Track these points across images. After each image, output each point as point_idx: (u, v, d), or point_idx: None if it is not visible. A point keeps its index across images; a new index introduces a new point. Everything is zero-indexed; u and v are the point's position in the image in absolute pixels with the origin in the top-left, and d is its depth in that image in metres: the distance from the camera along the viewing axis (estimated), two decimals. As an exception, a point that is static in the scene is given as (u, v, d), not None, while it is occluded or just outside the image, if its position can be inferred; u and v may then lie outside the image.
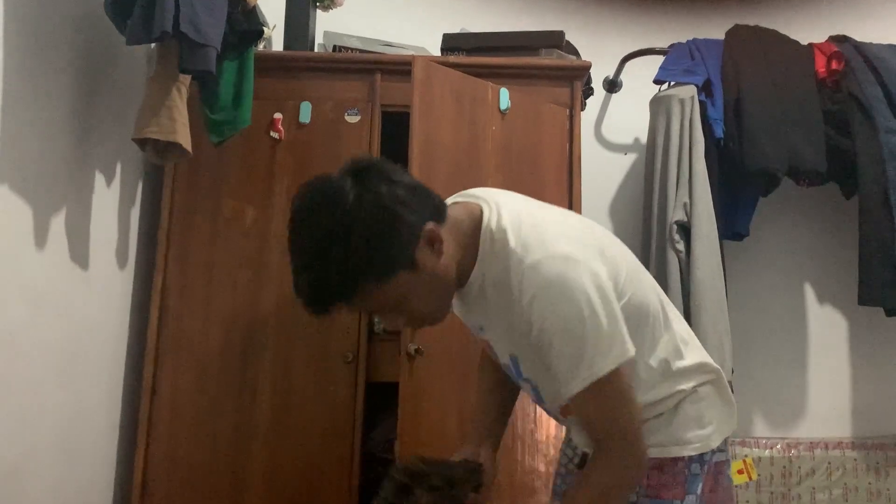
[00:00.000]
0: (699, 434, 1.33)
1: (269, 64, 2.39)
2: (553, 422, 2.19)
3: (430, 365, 1.96)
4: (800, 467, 2.56)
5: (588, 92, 2.81)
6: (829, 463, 2.57)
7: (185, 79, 2.00)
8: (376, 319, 2.33)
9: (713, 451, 1.34)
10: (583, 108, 2.81)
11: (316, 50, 2.66)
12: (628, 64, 2.88)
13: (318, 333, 2.27)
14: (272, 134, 2.38)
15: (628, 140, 2.99)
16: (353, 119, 2.41)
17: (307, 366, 2.27)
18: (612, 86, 2.97)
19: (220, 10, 1.93)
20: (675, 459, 1.31)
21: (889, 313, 2.52)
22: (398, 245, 1.14)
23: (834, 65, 2.57)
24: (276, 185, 2.37)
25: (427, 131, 2.07)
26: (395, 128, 2.33)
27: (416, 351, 1.93)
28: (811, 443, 2.60)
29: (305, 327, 2.28)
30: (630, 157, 2.98)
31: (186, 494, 2.21)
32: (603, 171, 2.92)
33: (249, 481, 2.22)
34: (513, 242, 1.18)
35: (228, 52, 2.13)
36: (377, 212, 1.13)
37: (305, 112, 2.40)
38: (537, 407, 2.13)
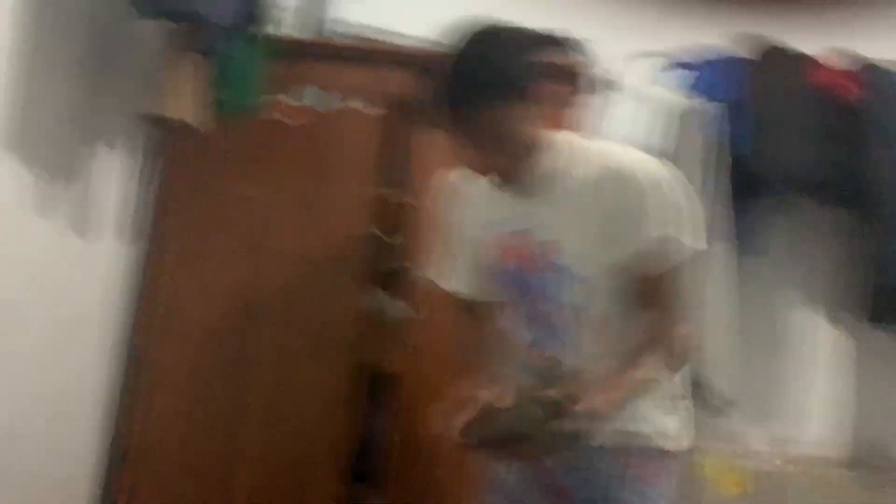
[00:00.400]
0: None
1: (279, 47, 2.38)
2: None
3: (432, 359, 1.95)
4: (796, 483, 2.53)
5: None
6: (827, 482, 2.54)
7: (197, 57, 1.99)
8: (374, 307, 2.31)
9: None
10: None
11: (328, 35, 2.65)
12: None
13: (317, 319, 2.27)
14: (279, 116, 2.36)
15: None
16: (360, 107, 2.39)
17: (304, 351, 2.25)
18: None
19: (231, -10, 1.92)
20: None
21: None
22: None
23: (859, 90, 2.55)
24: (278, 168, 2.35)
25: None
26: (403, 118, 2.31)
27: (415, 347, 1.91)
28: (810, 460, 2.57)
29: (304, 311, 2.27)
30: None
31: (175, 472, 2.20)
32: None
33: (240, 464, 2.21)
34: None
35: (241, 33, 2.13)
36: None
37: (311, 96, 2.39)
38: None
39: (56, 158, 1.86)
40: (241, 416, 2.22)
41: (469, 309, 1.49)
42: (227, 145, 2.33)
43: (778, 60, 2.64)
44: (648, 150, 2.80)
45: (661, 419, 1.39)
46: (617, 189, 1.28)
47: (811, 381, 2.74)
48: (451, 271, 1.48)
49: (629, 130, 2.90)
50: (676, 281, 1.32)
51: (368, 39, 2.50)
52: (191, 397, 2.23)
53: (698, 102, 2.60)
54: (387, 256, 2.32)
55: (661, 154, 2.63)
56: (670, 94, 2.68)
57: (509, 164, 1.28)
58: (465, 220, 1.43)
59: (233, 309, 2.27)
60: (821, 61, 2.62)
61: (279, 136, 2.36)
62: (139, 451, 2.20)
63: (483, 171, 1.30)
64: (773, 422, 2.75)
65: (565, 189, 1.30)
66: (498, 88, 1.21)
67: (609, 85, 2.89)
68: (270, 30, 2.38)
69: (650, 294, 1.31)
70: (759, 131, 2.50)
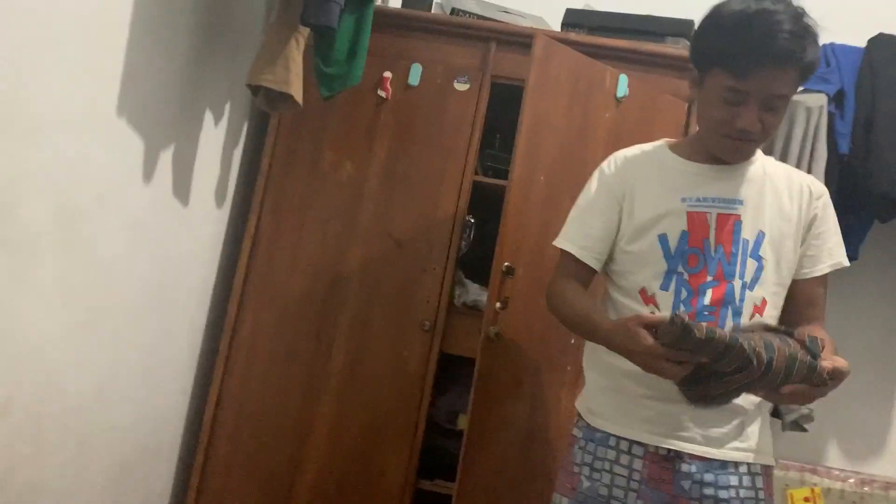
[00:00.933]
0: None
1: (385, 21, 2.36)
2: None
3: (508, 350, 1.94)
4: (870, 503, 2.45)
5: (707, 85, 2.68)
6: (908, 506, 2.45)
7: (304, 30, 2.00)
8: (457, 293, 2.31)
9: None
10: (698, 102, 2.69)
11: (433, 10, 2.61)
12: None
13: (399, 297, 2.29)
14: (379, 92, 2.36)
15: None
16: (462, 87, 2.36)
17: (384, 328, 2.28)
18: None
19: (345, -36, 1.90)
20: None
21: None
22: None
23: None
24: (376, 144, 2.36)
25: (538, 111, 2.02)
26: (504, 99, 2.28)
27: (497, 335, 1.91)
28: (887, 483, 2.47)
29: (387, 289, 2.29)
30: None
31: (252, 434, 2.28)
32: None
33: (314, 431, 2.27)
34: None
35: (348, 5, 2.10)
36: None
37: (415, 74, 2.37)
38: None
39: (163, 125, 1.90)
40: (320, 388, 2.27)
41: (581, 279, 1.48)
42: (328, 119, 2.35)
43: (888, 49, 2.46)
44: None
45: (767, 435, 1.42)
46: (808, 198, 1.43)
47: (891, 399, 2.65)
48: (592, 239, 1.46)
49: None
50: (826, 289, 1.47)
51: (476, 16, 2.46)
52: (274, 365, 2.30)
53: (801, 92, 2.45)
54: (477, 242, 2.32)
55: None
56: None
57: (768, 131, 1.34)
58: (650, 189, 1.43)
59: (319, 282, 2.31)
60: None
61: (380, 113, 2.36)
62: (222, 415, 2.28)
63: (749, 130, 1.30)
64: (851, 440, 2.67)
65: (767, 176, 1.42)
66: (808, 56, 1.28)
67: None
68: (378, 3, 2.37)
69: (808, 294, 1.44)
70: (862, 128, 2.35)
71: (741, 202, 1.39)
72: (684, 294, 1.36)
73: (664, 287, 1.37)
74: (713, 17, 1.33)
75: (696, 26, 2.35)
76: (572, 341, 2.08)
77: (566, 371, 2.05)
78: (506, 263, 1.93)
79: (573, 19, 2.39)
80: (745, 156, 1.40)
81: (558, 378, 2.04)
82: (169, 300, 2.09)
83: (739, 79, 1.27)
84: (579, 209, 1.50)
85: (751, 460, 1.37)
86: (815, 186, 1.45)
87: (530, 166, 2.00)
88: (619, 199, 1.44)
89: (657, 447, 1.35)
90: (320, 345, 2.30)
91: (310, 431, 2.27)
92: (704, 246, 1.36)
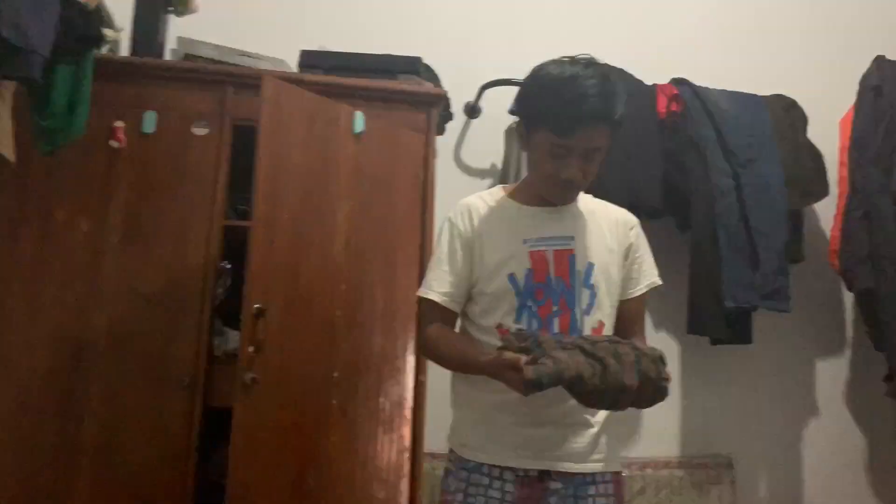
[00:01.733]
0: None
1: (112, 69, 2.27)
2: (395, 447, 2.20)
3: (268, 395, 1.91)
4: (631, 486, 2.69)
5: (447, 116, 2.84)
6: (658, 482, 2.72)
7: (10, 84, 1.85)
8: (216, 342, 2.25)
9: None
10: (441, 133, 2.85)
11: (169, 56, 2.55)
12: (489, 91, 2.94)
13: (155, 356, 2.17)
14: (112, 143, 2.24)
15: (486, 165, 3.05)
16: (201, 131, 2.31)
17: (141, 391, 2.15)
18: (473, 111, 3.01)
19: (51, 12, 1.81)
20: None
21: (714, 342, 2.71)
22: None
23: (673, 107, 2.74)
24: (113, 197, 2.24)
25: (275, 151, 2.03)
26: (250, 141, 2.26)
27: (253, 381, 1.87)
28: (642, 463, 2.74)
29: (140, 348, 2.17)
30: (487, 181, 3.04)
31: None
32: (461, 194, 2.93)
33: (73, 511, 2.08)
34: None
35: (63, 56, 2.00)
36: None
37: (150, 121, 2.29)
38: (380, 433, 2.15)
39: None
40: (74, 465, 2.08)
41: (446, 322, 1.58)
42: (56, 176, 2.20)
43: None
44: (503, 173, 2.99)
45: (615, 444, 1.58)
46: (625, 229, 1.62)
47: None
48: (451, 285, 1.56)
49: (483, 153, 3.02)
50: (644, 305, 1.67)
51: (211, 61, 2.42)
52: (18, 448, 2.08)
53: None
54: (237, 288, 2.27)
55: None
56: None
57: (588, 178, 1.51)
58: (495, 235, 1.56)
59: (62, 351, 2.14)
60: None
61: (115, 164, 2.25)
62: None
63: (572, 180, 1.48)
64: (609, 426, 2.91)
65: (590, 213, 1.60)
66: (617, 113, 1.46)
67: (469, 110, 2.97)
68: (103, 51, 2.27)
69: (632, 311, 1.62)
70: None
71: (572, 238, 1.54)
72: (535, 325, 1.50)
73: (517, 320, 1.50)
74: (533, 81, 1.50)
75: (422, 61, 2.53)
76: (335, 374, 2.10)
77: (332, 406, 2.06)
78: (256, 306, 1.91)
79: (309, 60, 2.44)
80: (571, 199, 1.58)
81: (323, 416, 2.04)
82: None
83: (561, 138, 1.44)
84: (436, 260, 1.60)
85: (606, 469, 1.52)
86: (628, 217, 1.66)
87: (273, 206, 2.00)
88: (470, 246, 1.56)
89: (527, 470, 1.47)
90: (70, 418, 2.11)
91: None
92: (547, 280, 1.51)
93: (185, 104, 2.33)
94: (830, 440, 2.99)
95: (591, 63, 1.46)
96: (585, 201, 1.63)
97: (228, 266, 2.31)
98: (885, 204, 2.55)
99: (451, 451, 1.58)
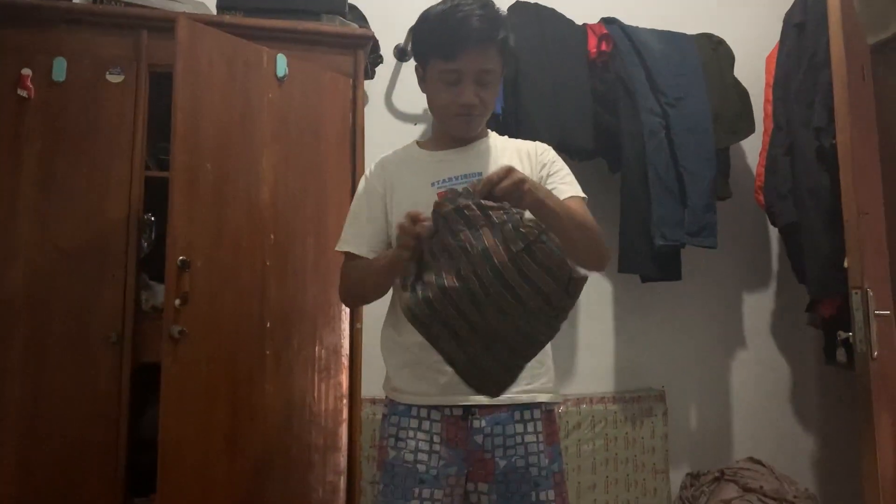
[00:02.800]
0: None
1: (17, 13, 2.14)
2: (332, 394, 2.20)
3: (197, 348, 1.88)
4: (567, 421, 2.76)
5: (377, 60, 2.78)
6: (593, 416, 2.79)
7: None
8: (144, 297, 2.19)
9: None
10: (371, 77, 2.79)
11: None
12: (418, 32, 2.88)
13: (78, 313, 2.11)
14: (20, 92, 2.13)
15: (418, 110, 3.00)
16: (115, 79, 2.21)
17: (66, 349, 2.09)
18: (402, 54, 2.95)
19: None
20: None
21: (644, 280, 2.77)
22: None
23: (603, 46, 2.73)
24: (24, 149, 2.13)
25: (193, 97, 1.96)
26: (169, 89, 2.17)
27: (181, 333, 1.83)
28: (578, 399, 2.81)
29: (62, 305, 2.10)
30: (420, 127, 3.00)
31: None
32: (392, 140, 2.87)
33: (-1, 475, 2.03)
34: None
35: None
36: None
37: (60, 69, 2.17)
38: (317, 380, 2.15)
39: None
40: (-2, 428, 2.03)
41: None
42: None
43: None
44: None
45: (547, 376, 1.59)
46: (535, 155, 1.63)
47: (575, 325, 2.99)
48: (368, 235, 1.59)
49: (415, 97, 2.97)
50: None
51: (123, 3, 2.30)
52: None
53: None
54: (161, 241, 2.20)
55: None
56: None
57: (486, 104, 1.53)
58: (406, 183, 1.58)
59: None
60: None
61: (24, 115, 2.14)
62: None
63: (469, 103, 1.50)
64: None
65: (498, 149, 1.62)
66: (500, 33, 1.50)
67: (399, 53, 2.91)
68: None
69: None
70: (511, 88, 2.59)
71: (481, 174, 1.52)
72: None
73: None
74: (421, 19, 1.56)
75: (347, 1, 2.46)
76: (268, 324, 2.07)
77: (265, 356, 2.04)
78: (180, 258, 1.86)
79: (227, 2, 2.34)
80: (473, 128, 1.59)
81: (257, 367, 2.02)
82: None
83: (450, 60, 1.47)
84: (352, 215, 1.64)
85: (531, 402, 1.53)
86: (539, 147, 1.67)
87: (192, 154, 1.94)
88: (382, 197, 1.59)
89: (451, 408, 1.49)
90: (-10, 383, 2.04)
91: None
92: None
93: (98, 50, 2.22)
94: (756, 370, 3.11)
95: None
96: (494, 139, 1.66)
97: (153, 218, 2.24)
98: (807, 139, 2.60)
99: (385, 397, 1.60)
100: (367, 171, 1.68)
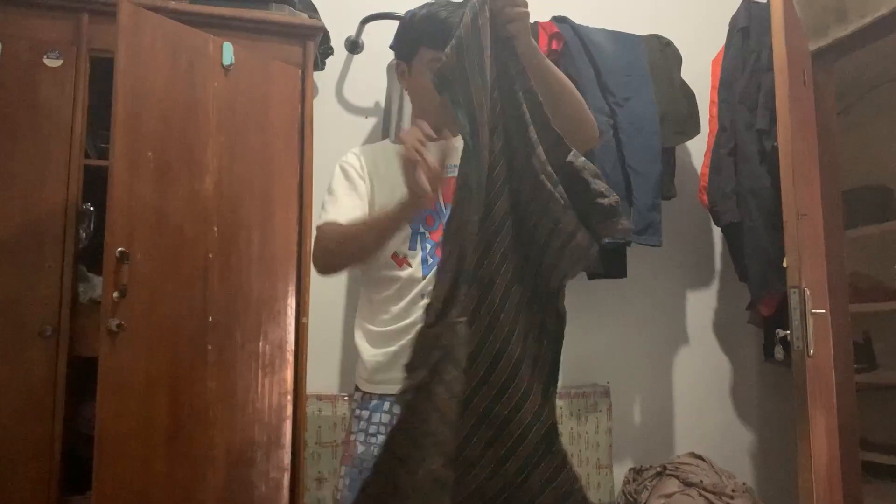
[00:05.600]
0: None
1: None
2: (276, 390, 2.17)
3: (136, 342, 1.83)
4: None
5: (327, 51, 2.75)
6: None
7: None
8: (81, 289, 2.12)
9: None
10: (321, 68, 2.76)
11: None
12: (371, 25, 2.86)
13: (11, 305, 2.03)
14: (-50, 74, 2.05)
15: (370, 103, 2.98)
16: (53, 63, 2.14)
17: (-2, 341, 2.02)
18: (354, 46, 2.92)
19: None
20: None
21: (590, 277, 2.80)
22: None
23: (554, 45, 2.75)
24: (-45, 135, 2.05)
25: (135, 83, 1.90)
26: (110, 76, 2.11)
27: (119, 327, 1.78)
28: (525, 395, 2.83)
29: (-5, 297, 2.02)
30: (371, 121, 2.98)
31: None
32: (343, 133, 2.88)
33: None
34: None
35: None
36: None
37: (-7, 50, 2.09)
38: (260, 376, 2.11)
39: None
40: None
41: None
42: None
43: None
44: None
45: None
46: None
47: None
48: (353, 207, 1.55)
49: (366, 90, 2.94)
50: None
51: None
52: None
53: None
54: (100, 231, 2.14)
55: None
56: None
57: None
58: (384, 173, 1.57)
59: None
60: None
61: (-51, 98, 2.05)
62: None
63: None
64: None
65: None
66: None
67: (350, 45, 2.88)
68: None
69: None
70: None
71: (457, 165, 1.47)
72: (428, 248, 1.54)
73: (412, 247, 1.54)
74: (409, 17, 1.60)
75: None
76: (210, 319, 2.03)
77: (207, 350, 2.00)
78: (119, 249, 1.81)
79: (172, -13, 2.28)
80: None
81: (199, 361, 1.98)
82: None
83: (441, 49, 1.41)
84: (333, 193, 1.58)
85: None
86: None
87: (133, 143, 1.88)
88: (365, 179, 1.59)
89: None
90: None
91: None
92: (437, 207, 1.55)
93: (35, 32, 2.14)
94: (699, 366, 3.18)
95: None
96: None
97: (91, 208, 2.17)
98: (750, 141, 2.67)
99: (356, 388, 1.58)
100: (341, 161, 1.64)
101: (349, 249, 1.53)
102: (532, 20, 2.77)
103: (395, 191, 1.51)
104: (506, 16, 1.34)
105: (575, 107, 1.51)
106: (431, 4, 1.59)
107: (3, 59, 2.10)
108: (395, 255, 1.55)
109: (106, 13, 2.13)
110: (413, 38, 1.59)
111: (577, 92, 1.53)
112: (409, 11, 1.63)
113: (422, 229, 1.55)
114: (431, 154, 1.39)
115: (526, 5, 1.36)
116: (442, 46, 1.42)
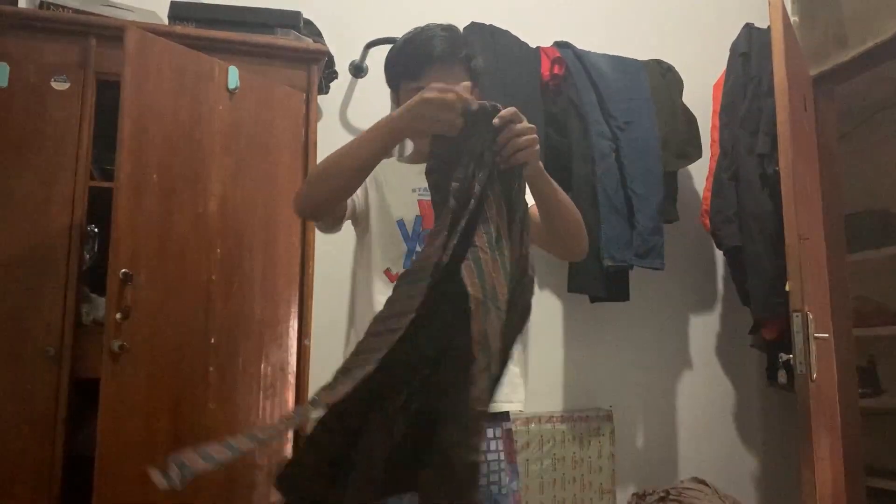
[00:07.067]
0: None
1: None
2: (277, 412, 2.16)
3: (139, 363, 1.83)
4: (517, 441, 2.75)
5: (331, 75, 2.77)
6: (542, 435, 2.80)
7: None
8: (85, 310, 2.13)
9: None
10: (325, 92, 2.78)
11: (24, 5, 2.35)
12: (375, 50, 2.89)
13: (14, 327, 2.03)
14: (-41, 97, 2.07)
15: (373, 126, 3.00)
16: (61, 86, 2.16)
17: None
18: (358, 71, 2.95)
19: None
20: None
21: (593, 300, 2.80)
22: None
23: (556, 69, 2.77)
24: (-38, 157, 2.06)
25: (141, 107, 1.92)
26: (117, 99, 2.13)
27: (121, 348, 1.78)
28: (527, 418, 2.81)
29: (-1, 318, 2.03)
30: (374, 143, 2.99)
31: None
32: (346, 156, 2.90)
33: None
34: None
35: None
36: None
37: (2, 74, 2.11)
38: (262, 398, 2.11)
39: None
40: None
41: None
42: None
43: (479, 33, 2.76)
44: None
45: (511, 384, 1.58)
46: None
47: (528, 345, 3.01)
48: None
49: (370, 114, 2.97)
50: None
51: (72, 10, 2.25)
52: None
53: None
54: (104, 253, 2.15)
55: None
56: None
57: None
58: (388, 183, 1.64)
59: None
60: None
61: (-42, 121, 2.07)
62: None
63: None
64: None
65: None
66: (463, 52, 1.62)
67: (354, 69, 2.90)
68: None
69: None
70: None
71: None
72: None
73: (406, 265, 1.56)
74: (391, 50, 1.69)
75: (302, 16, 2.46)
76: (212, 340, 2.03)
77: (209, 373, 2.00)
78: (123, 270, 1.81)
79: (179, 12, 2.31)
80: None
81: (201, 383, 1.98)
82: None
83: (416, 79, 1.54)
84: None
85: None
86: None
87: (139, 165, 1.90)
88: (365, 184, 1.60)
89: None
90: (-81, 396, 1.96)
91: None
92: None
93: (43, 56, 2.16)
94: (702, 390, 3.17)
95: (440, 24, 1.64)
96: None
97: (96, 230, 2.19)
98: (752, 165, 2.68)
99: None
100: None
101: (329, 174, 1.48)
102: (535, 45, 2.86)
103: (399, 197, 1.56)
104: (514, 146, 1.25)
105: (572, 223, 1.51)
106: (408, 33, 1.66)
107: (11, 81, 2.12)
108: (387, 272, 1.57)
109: (113, 37, 2.15)
110: (393, 73, 1.68)
111: (577, 211, 1.53)
112: (393, 45, 1.71)
113: (418, 248, 1.56)
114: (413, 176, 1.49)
115: (534, 131, 1.28)
116: (417, 75, 1.54)
